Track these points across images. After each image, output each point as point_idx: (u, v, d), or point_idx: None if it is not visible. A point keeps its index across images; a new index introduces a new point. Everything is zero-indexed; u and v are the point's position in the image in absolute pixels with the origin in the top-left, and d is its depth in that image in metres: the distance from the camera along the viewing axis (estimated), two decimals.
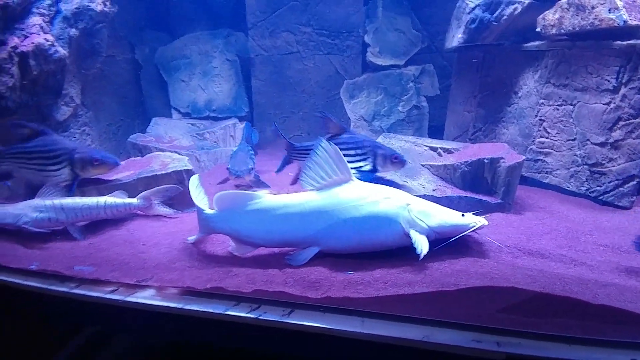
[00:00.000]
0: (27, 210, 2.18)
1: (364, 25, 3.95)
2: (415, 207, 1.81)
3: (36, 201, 2.21)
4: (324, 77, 4.13)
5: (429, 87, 3.83)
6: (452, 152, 2.64)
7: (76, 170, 2.42)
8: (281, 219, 1.85)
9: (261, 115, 4.24)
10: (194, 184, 2.06)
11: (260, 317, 1.57)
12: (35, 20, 2.46)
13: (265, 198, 1.90)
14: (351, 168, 2.24)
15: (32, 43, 2.40)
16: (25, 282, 1.89)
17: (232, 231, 1.92)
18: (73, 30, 2.79)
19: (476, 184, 2.39)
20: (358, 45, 4.01)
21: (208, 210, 1.95)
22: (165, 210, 2.45)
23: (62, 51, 2.57)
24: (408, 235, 1.75)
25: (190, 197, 2.03)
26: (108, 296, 1.76)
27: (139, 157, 3.03)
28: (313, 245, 1.83)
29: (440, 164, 2.52)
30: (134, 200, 2.36)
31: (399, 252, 1.77)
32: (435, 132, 3.74)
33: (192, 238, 2.05)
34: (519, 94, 2.95)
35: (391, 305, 1.51)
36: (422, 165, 2.58)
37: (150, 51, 4.10)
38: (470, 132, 3.21)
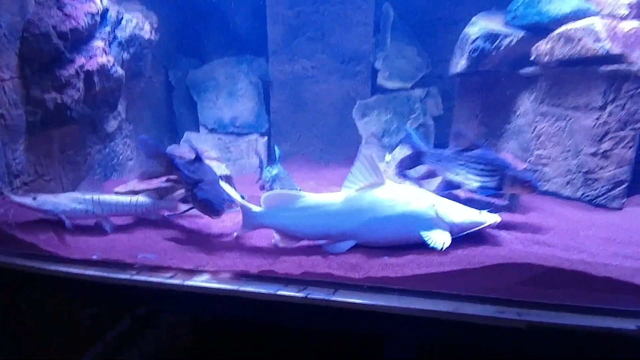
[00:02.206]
0: (67, 201, 2.25)
1: (373, 53, 4.21)
2: (440, 206, 2.01)
3: (76, 193, 2.30)
4: (336, 99, 4.36)
5: (434, 107, 4.07)
6: None
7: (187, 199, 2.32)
8: (324, 215, 2.02)
9: (278, 132, 4.45)
10: (228, 187, 2.20)
11: (308, 296, 1.71)
12: (98, 44, 2.66)
13: (309, 197, 2.07)
14: (475, 182, 2.37)
15: (97, 63, 2.60)
16: (85, 272, 1.96)
17: (279, 226, 2.08)
18: (125, 53, 3.01)
19: None
20: (367, 70, 4.25)
21: (256, 208, 2.10)
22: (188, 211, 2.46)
23: (121, 71, 2.78)
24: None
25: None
26: (168, 281, 1.87)
27: None
28: (351, 239, 2.00)
29: None
30: (161, 201, 2.44)
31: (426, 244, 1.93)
32: (440, 148, 3.93)
33: (237, 232, 2.20)
34: (517, 113, 3.19)
35: (425, 282, 1.67)
36: None
37: (182, 74, 4.33)
38: None
